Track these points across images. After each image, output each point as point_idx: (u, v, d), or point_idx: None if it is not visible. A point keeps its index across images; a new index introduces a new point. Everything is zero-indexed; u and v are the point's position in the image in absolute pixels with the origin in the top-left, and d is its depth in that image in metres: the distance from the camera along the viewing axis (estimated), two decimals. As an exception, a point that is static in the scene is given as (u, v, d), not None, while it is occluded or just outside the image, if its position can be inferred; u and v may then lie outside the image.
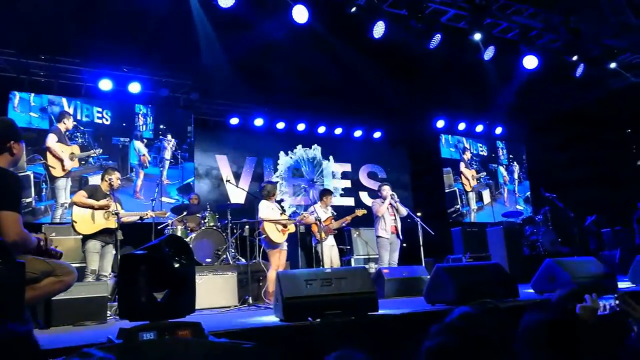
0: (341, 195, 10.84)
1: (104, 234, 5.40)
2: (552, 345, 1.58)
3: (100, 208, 5.40)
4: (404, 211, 7.13)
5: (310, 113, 10.44)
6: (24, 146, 2.95)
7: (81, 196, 5.43)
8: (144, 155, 8.77)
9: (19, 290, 2.44)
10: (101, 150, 8.42)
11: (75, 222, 5.37)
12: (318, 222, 6.50)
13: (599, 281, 4.73)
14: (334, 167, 11.02)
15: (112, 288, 5.13)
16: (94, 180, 7.92)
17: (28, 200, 7.66)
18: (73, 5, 6.56)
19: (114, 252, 5.48)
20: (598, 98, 10.49)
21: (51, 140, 8.07)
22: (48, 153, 8.00)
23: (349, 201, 10.89)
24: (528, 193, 12.24)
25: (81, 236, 5.43)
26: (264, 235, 6.14)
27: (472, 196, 11.45)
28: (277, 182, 9.62)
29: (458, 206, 11.19)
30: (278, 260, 6.05)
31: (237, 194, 9.44)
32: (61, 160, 8.09)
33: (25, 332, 1.35)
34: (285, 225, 6.15)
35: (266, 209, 6.11)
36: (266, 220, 6.05)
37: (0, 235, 2.52)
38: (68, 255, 6.13)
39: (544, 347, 1.58)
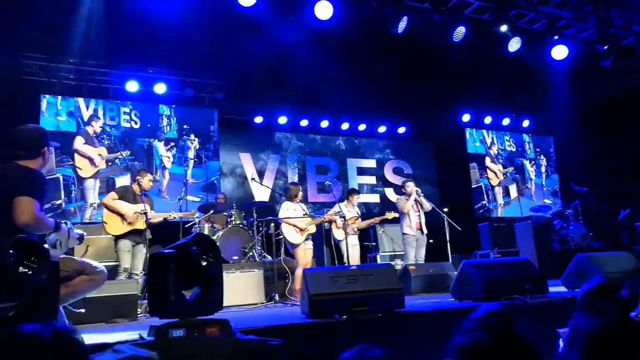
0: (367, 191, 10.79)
1: (133, 234, 5.51)
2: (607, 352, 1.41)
3: (127, 220, 5.47)
4: (428, 206, 7.07)
5: (333, 109, 10.42)
6: (52, 150, 3.15)
7: (110, 198, 5.56)
8: (162, 155, 8.91)
9: (55, 288, 2.53)
10: (129, 152, 8.59)
11: (106, 223, 5.51)
12: (343, 220, 6.50)
13: (631, 276, 4.59)
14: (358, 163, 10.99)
15: (142, 286, 5.24)
16: (121, 181, 8.11)
17: (58, 202, 7.87)
18: (99, 9, 6.71)
19: (144, 251, 5.59)
20: (629, 87, 10.16)
21: (78, 142, 8.28)
22: (75, 154, 8.20)
23: (375, 198, 10.84)
24: (557, 186, 11.96)
25: (112, 236, 5.57)
26: (281, 236, 6.22)
27: (498, 191, 11.26)
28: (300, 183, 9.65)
29: (484, 202, 11.03)
30: (304, 259, 6.08)
31: (261, 192, 9.52)
32: (90, 160, 8.28)
33: (71, 329, 1.39)
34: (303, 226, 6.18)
35: (285, 210, 6.17)
36: (284, 220, 6.11)
37: (14, 218, 2.69)
38: (101, 253, 6.31)
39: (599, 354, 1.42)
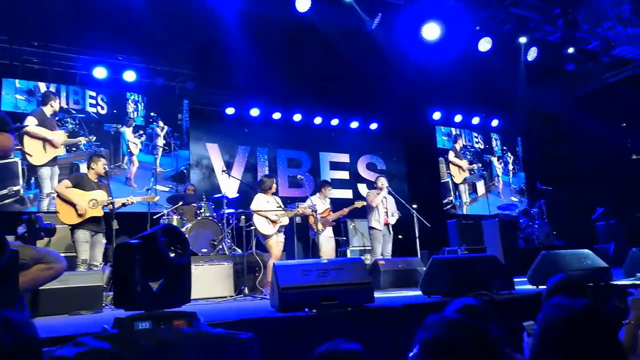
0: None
1: (90, 223, 5.28)
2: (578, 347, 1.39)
3: (79, 213, 5.24)
4: (396, 215, 7.19)
5: (306, 104, 10.36)
6: (12, 136, 2.88)
7: (64, 186, 5.32)
8: (129, 142, 8.60)
9: (13, 277, 2.43)
10: (94, 138, 8.20)
11: (59, 213, 5.26)
12: (314, 213, 6.48)
13: (593, 274, 4.75)
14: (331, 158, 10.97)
15: (107, 277, 5.10)
16: (86, 168, 7.81)
17: (16, 188, 7.37)
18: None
19: (104, 241, 5.40)
20: (594, 90, 10.50)
21: (30, 123, 7.42)
22: (25, 138, 7.43)
23: (347, 193, 10.83)
24: (523, 185, 12.23)
25: (69, 226, 5.32)
26: (253, 227, 6.16)
27: (463, 189, 11.33)
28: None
29: (451, 198, 11.15)
30: (277, 249, 6.05)
31: (229, 185, 9.31)
32: (43, 144, 7.59)
33: (24, 320, 1.32)
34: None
35: (258, 202, 6.12)
36: (255, 212, 6.06)
37: None
38: (57, 244, 6.04)
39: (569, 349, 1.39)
